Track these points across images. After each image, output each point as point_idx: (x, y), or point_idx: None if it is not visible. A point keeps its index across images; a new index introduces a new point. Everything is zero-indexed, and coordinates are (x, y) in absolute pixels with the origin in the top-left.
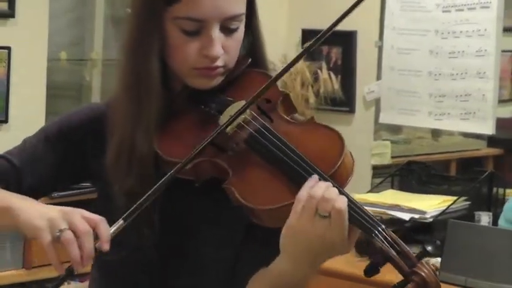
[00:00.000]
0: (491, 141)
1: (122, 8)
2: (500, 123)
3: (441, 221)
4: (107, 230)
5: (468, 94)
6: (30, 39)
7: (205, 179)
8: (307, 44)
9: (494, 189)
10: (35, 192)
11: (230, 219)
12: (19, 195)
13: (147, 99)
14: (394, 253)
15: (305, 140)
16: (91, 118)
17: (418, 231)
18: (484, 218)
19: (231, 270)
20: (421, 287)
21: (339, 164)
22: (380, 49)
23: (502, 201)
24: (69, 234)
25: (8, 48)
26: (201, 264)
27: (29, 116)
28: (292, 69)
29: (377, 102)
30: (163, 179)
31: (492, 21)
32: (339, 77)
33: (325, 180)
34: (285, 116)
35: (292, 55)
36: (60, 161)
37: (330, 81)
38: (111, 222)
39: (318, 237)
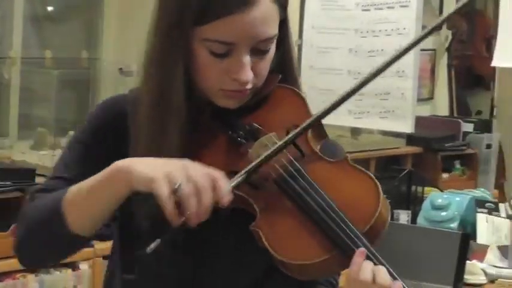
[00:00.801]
0: (410, 139)
1: (41, 6)
2: (420, 121)
3: None
4: (226, 185)
5: (387, 93)
6: None
7: (231, 208)
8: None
9: (413, 188)
10: None
11: (252, 257)
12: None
13: (171, 118)
14: None
15: (338, 185)
16: (113, 115)
17: None
18: (403, 216)
19: None
20: None
21: (375, 217)
22: (300, 48)
23: (421, 200)
24: (188, 189)
25: None
26: None
27: None
28: None
29: None
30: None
31: (411, 20)
32: None
33: (359, 239)
34: (316, 150)
35: None
36: (103, 160)
37: None
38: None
39: None
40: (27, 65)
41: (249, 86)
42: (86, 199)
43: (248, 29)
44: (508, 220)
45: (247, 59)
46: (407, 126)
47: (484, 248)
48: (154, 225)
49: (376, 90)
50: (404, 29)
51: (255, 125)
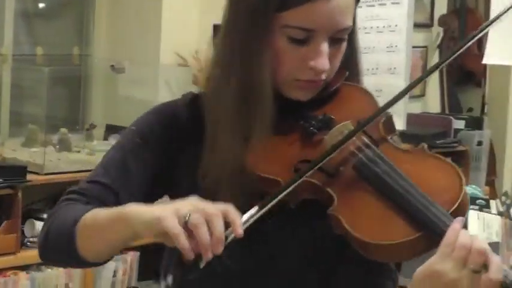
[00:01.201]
0: (401, 136)
1: (32, 2)
2: (411, 118)
3: None
4: (237, 215)
5: (379, 90)
6: None
7: (301, 200)
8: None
9: None
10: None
11: (318, 253)
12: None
13: (262, 111)
14: None
15: (418, 171)
16: (168, 120)
17: None
18: None
19: None
20: None
21: (459, 201)
22: None
23: None
24: (198, 217)
25: None
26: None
27: None
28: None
29: None
30: (296, 178)
31: (403, 17)
32: None
33: (447, 217)
34: (390, 141)
35: (205, 50)
36: (149, 168)
37: None
38: None
39: (456, 286)
40: (19, 62)
41: (324, 76)
42: (96, 234)
43: (329, 16)
44: (498, 217)
45: (325, 46)
46: (399, 123)
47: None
48: None
49: (368, 87)
50: (396, 26)
51: (328, 115)
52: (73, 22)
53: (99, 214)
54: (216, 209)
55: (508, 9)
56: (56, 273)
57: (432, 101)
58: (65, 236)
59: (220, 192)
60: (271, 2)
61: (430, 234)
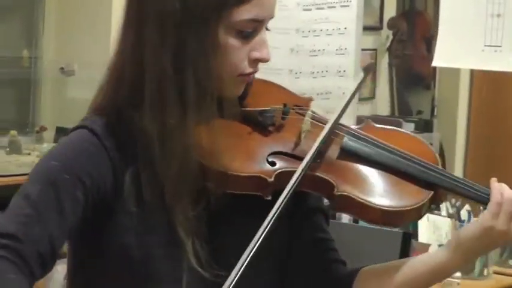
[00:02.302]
0: None
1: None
2: (360, 121)
3: None
4: None
5: (329, 92)
6: None
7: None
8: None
9: None
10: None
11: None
12: None
13: (208, 116)
14: None
15: (394, 141)
16: (100, 151)
17: None
18: (345, 216)
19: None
20: None
21: (439, 161)
22: None
23: None
24: None
25: None
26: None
27: None
28: None
29: None
30: (272, 214)
31: (352, 20)
32: None
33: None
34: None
35: None
36: (82, 211)
37: None
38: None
39: (504, 238)
40: None
41: (258, 68)
42: None
43: (273, 4)
44: (448, 219)
45: (266, 36)
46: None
47: (425, 247)
48: None
49: (318, 90)
50: (345, 28)
51: (270, 107)
52: (22, 25)
53: None
54: None
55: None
56: None
57: (382, 104)
58: None
59: (181, 201)
60: (223, 3)
61: (440, 192)
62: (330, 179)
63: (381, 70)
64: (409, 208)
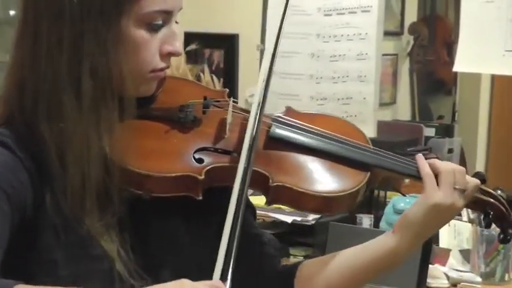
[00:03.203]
0: (372, 144)
1: (2, 11)
2: (382, 126)
3: (323, 224)
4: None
5: (349, 97)
6: None
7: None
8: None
9: (376, 192)
10: None
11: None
12: None
13: (111, 116)
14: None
15: (320, 125)
16: (15, 159)
17: (300, 233)
18: (366, 221)
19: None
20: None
21: (368, 139)
22: (262, 52)
23: (383, 204)
24: None
25: None
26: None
27: None
28: (175, 72)
29: None
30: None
31: (373, 25)
32: (221, 79)
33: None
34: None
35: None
36: (11, 223)
37: (212, 84)
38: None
39: (451, 210)
40: None
41: (170, 63)
42: None
43: None
44: (469, 224)
45: (176, 28)
46: (369, 131)
47: (446, 252)
48: None
49: (338, 95)
50: (366, 34)
51: (189, 101)
52: None
53: None
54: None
55: None
56: None
57: (403, 109)
58: None
59: (90, 212)
60: None
61: (375, 171)
62: (262, 171)
63: (401, 75)
64: (349, 191)
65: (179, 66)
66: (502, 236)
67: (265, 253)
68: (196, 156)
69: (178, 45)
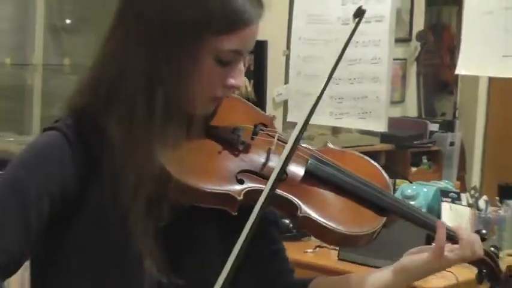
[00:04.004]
0: (383, 137)
1: (60, 18)
2: (392, 122)
3: None
4: None
5: (364, 96)
6: None
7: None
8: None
9: None
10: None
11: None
12: None
13: (175, 127)
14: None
15: (351, 165)
16: (65, 153)
17: None
18: None
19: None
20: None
21: (391, 186)
22: (288, 57)
23: (393, 190)
24: None
25: None
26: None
27: None
28: None
29: (285, 103)
30: (248, 228)
31: (385, 33)
32: (252, 81)
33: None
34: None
35: None
36: (46, 215)
37: (244, 85)
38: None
39: (444, 268)
40: (48, 71)
41: (230, 94)
42: None
43: (252, 39)
44: (468, 208)
45: (242, 66)
46: (381, 126)
47: None
48: None
49: (355, 94)
50: (379, 40)
51: (240, 126)
52: (97, 35)
53: None
54: None
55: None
56: None
57: (410, 106)
58: None
59: (136, 211)
60: (214, 26)
61: (392, 217)
62: (294, 201)
63: (410, 77)
64: (366, 232)
65: None
66: None
67: (284, 268)
68: (239, 177)
69: (241, 80)
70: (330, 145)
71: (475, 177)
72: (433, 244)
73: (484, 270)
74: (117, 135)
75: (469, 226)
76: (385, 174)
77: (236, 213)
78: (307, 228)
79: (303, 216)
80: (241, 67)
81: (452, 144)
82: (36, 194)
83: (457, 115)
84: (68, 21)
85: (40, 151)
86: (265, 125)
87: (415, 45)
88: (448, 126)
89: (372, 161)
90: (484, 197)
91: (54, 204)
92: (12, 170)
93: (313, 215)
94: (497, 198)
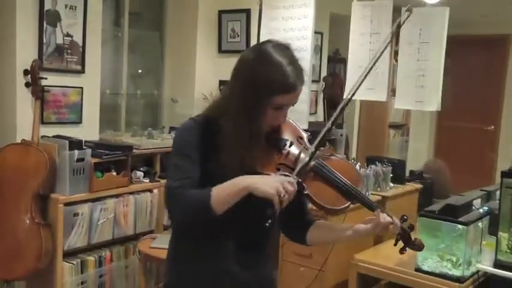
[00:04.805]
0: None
1: (134, 69)
2: (309, 124)
3: None
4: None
5: (295, 110)
6: (92, 83)
7: None
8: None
9: None
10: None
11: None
12: (235, 181)
13: (256, 140)
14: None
15: (338, 168)
16: (201, 133)
17: None
18: None
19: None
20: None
21: (361, 176)
22: None
23: None
24: (286, 197)
25: (81, 88)
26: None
27: (90, 120)
28: None
29: None
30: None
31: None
32: None
33: (360, 193)
34: (321, 153)
35: (215, 92)
36: (199, 158)
37: None
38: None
39: (379, 234)
40: (128, 97)
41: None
42: (225, 200)
43: (295, 98)
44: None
45: (287, 112)
46: (305, 126)
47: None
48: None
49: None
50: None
51: (287, 139)
52: (154, 78)
53: (220, 190)
54: (293, 189)
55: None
56: (145, 196)
57: (319, 116)
58: (204, 206)
59: (231, 172)
60: (274, 92)
61: (353, 203)
62: (304, 184)
63: (319, 100)
64: (339, 208)
65: None
66: (403, 248)
67: (307, 212)
68: (277, 167)
69: (284, 119)
70: (334, 156)
71: (353, 153)
72: (373, 218)
73: (399, 236)
74: (227, 130)
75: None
76: (356, 170)
77: None
78: (308, 199)
79: (306, 194)
80: (286, 113)
81: (341, 135)
82: (189, 150)
83: (344, 121)
84: (140, 70)
85: (185, 130)
86: (301, 138)
87: (322, 83)
88: (340, 125)
89: (349, 162)
90: (359, 164)
91: (198, 153)
92: (175, 141)
93: (312, 194)
94: (365, 164)
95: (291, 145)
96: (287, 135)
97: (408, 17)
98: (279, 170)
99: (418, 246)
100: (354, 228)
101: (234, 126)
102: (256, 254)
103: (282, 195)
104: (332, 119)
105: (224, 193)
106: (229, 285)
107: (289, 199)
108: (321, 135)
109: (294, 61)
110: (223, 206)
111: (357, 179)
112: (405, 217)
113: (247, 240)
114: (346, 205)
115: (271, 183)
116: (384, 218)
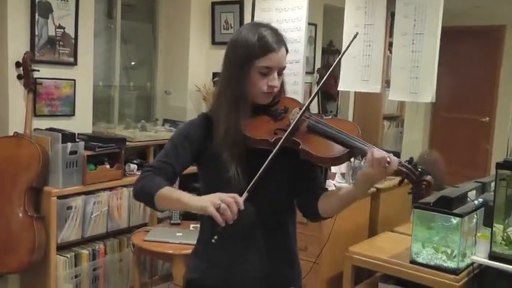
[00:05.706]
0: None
1: (128, 61)
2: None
3: None
4: (241, 200)
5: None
6: (85, 75)
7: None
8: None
9: None
10: (182, 173)
11: (283, 169)
12: (182, 192)
13: (243, 108)
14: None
15: (337, 124)
16: (200, 124)
17: None
18: None
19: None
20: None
21: (359, 133)
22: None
23: None
24: (224, 205)
25: (74, 80)
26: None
27: (83, 113)
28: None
29: None
30: (270, 157)
31: (300, 68)
32: None
33: (357, 140)
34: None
35: (208, 83)
36: (189, 152)
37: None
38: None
39: (380, 177)
40: (121, 89)
41: (275, 90)
42: (165, 203)
43: (278, 60)
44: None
45: (276, 75)
46: None
47: (334, 174)
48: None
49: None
50: (297, 72)
51: (286, 106)
52: (148, 70)
53: (169, 194)
54: (232, 200)
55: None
56: None
57: (313, 107)
58: (149, 196)
59: (226, 151)
60: (253, 56)
61: (352, 151)
62: (298, 140)
63: (313, 92)
64: (335, 156)
65: (208, 87)
66: (412, 190)
67: (318, 181)
68: (275, 131)
69: (275, 83)
70: (334, 118)
71: None
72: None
73: (405, 179)
74: (216, 110)
75: (345, 170)
76: (350, 121)
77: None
78: (306, 155)
79: (301, 148)
80: (275, 76)
81: None
82: (182, 141)
83: (338, 112)
84: (133, 62)
85: (185, 124)
86: (300, 109)
87: (316, 75)
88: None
89: (348, 121)
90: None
91: (192, 147)
92: (174, 133)
93: (307, 147)
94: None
95: (285, 112)
96: (286, 105)
97: (355, 38)
98: (276, 134)
99: (426, 187)
100: (354, 181)
101: (223, 97)
102: (274, 249)
103: (218, 205)
104: (323, 81)
105: (168, 197)
106: (247, 273)
107: (232, 210)
108: (312, 97)
109: (272, 28)
110: (164, 206)
111: (352, 128)
112: (411, 158)
113: (264, 237)
114: (344, 152)
115: (205, 198)
116: (376, 152)
